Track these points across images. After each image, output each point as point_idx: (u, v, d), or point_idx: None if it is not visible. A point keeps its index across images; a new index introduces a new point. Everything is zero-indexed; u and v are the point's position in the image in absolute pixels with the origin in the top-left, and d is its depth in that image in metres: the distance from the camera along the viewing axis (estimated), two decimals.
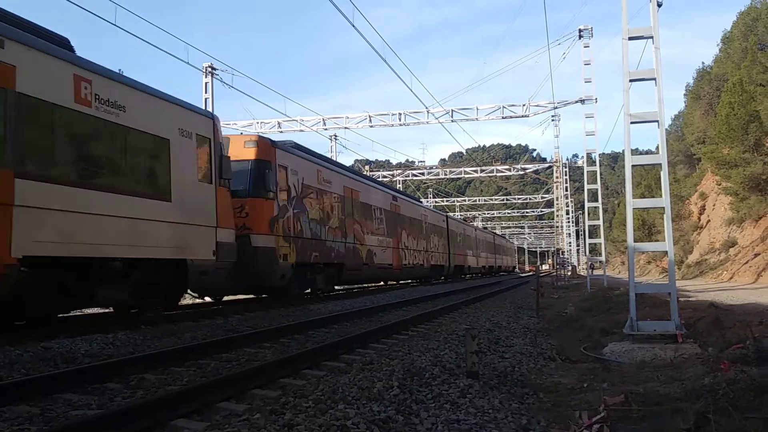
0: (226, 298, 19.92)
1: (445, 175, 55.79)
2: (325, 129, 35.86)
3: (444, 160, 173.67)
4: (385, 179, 48.35)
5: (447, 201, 71.39)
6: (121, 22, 21.14)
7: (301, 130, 34.97)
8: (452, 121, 33.16)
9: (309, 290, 19.07)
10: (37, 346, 8.31)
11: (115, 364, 6.83)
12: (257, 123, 33.24)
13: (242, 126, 33.98)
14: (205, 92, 27.59)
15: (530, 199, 74.65)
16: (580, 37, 27.66)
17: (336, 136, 40.26)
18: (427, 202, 64.46)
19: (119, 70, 11.63)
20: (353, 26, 15.47)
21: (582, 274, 47.64)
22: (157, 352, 7.74)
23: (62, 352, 8.10)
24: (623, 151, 10.32)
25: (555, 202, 48.37)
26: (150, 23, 17.99)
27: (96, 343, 8.85)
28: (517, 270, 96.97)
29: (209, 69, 27.40)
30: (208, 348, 8.25)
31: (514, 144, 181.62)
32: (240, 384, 5.86)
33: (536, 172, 56.39)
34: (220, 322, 12.22)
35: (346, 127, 35.29)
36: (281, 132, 33.19)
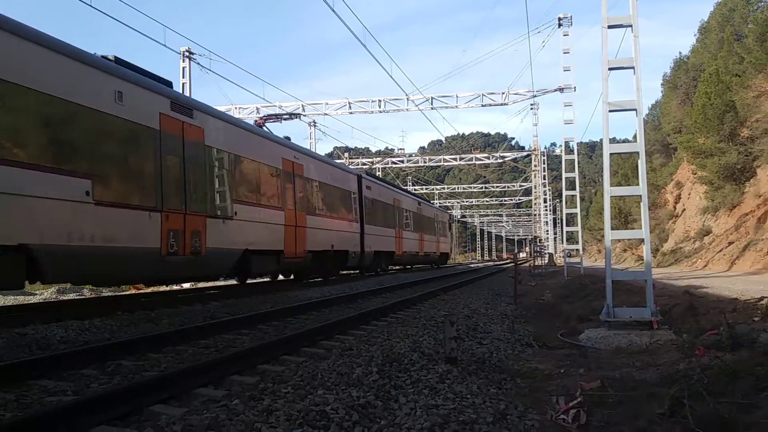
0: (202, 284, 19.85)
1: (425, 162, 55.77)
2: (305, 115, 35.62)
3: (423, 147, 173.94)
4: (365, 166, 48.20)
5: (426, 189, 71.36)
6: (97, 2, 20.72)
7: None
8: (432, 108, 33.14)
9: None
10: (12, 332, 8.22)
11: (92, 350, 6.77)
12: (236, 108, 32.86)
13: None
14: (183, 77, 27.23)
15: (508, 187, 74.89)
16: (560, 25, 27.68)
17: (315, 122, 40.04)
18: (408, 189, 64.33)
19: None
20: (334, 12, 15.32)
21: (558, 263, 47.99)
22: (134, 338, 7.68)
23: (37, 338, 8.02)
24: (601, 139, 10.39)
25: (533, 190, 48.70)
26: (127, 4, 17.61)
27: (71, 330, 8.77)
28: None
29: (187, 53, 27.03)
30: (186, 334, 8.21)
31: (493, 132, 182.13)
32: (218, 370, 5.84)
33: (515, 160, 56.67)
34: (198, 308, 12.16)
35: (325, 113, 35.08)
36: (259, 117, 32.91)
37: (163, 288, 19.63)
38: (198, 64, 27.13)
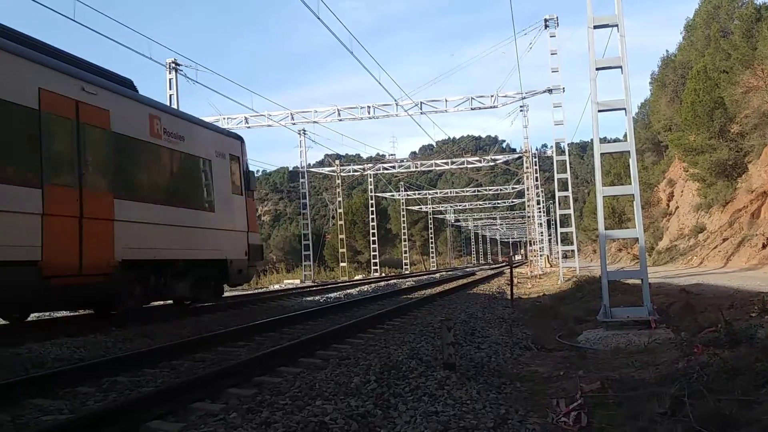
0: None
1: (417, 167, 55.72)
2: (294, 123, 35.44)
3: (414, 152, 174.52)
4: (356, 173, 48.14)
5: (419, 194, 71.31)
6: (80, 17, 20.58)
7: (269, 125, 34.62)
8: (422, 113, 32.99)
9: None
10: (6, 352, 8.13)
11: (87, 367, 6.70)
12: (224, 119, 32.73)
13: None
14: (170, 88, 27.06)
15: (501, 190, 74.79)
16: (546, 26, 27.64)
17: (305, 130, 39.98)
18: (400, 195, 64.28)
19: None
20: (319, 19, 15.20)
21: (551, 265, 47.99)
22: (129, 353, 7.62)
23: (31, 357, 7.93)
24: (591, 139, 10.39)
25: (525, 192, 48.70)
26: (110, 18, 17.49)
27: (66, 347, 8.69)
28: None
29: (173, 64, 26.89)
30: (181, 348, 8.15)
31: (483, 135, 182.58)
32: (215, 383, 5.78)
33: (506, 162, 56.54)
34: (192, 321, 12.09)
35: (314, 122, 34.90)
36: (248, 127, 32.87)
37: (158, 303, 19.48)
38: (185, 75, 26.99)
